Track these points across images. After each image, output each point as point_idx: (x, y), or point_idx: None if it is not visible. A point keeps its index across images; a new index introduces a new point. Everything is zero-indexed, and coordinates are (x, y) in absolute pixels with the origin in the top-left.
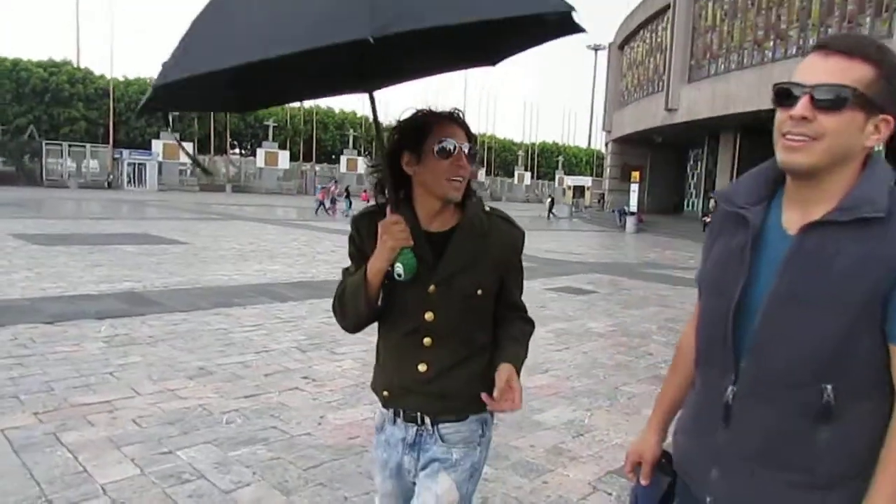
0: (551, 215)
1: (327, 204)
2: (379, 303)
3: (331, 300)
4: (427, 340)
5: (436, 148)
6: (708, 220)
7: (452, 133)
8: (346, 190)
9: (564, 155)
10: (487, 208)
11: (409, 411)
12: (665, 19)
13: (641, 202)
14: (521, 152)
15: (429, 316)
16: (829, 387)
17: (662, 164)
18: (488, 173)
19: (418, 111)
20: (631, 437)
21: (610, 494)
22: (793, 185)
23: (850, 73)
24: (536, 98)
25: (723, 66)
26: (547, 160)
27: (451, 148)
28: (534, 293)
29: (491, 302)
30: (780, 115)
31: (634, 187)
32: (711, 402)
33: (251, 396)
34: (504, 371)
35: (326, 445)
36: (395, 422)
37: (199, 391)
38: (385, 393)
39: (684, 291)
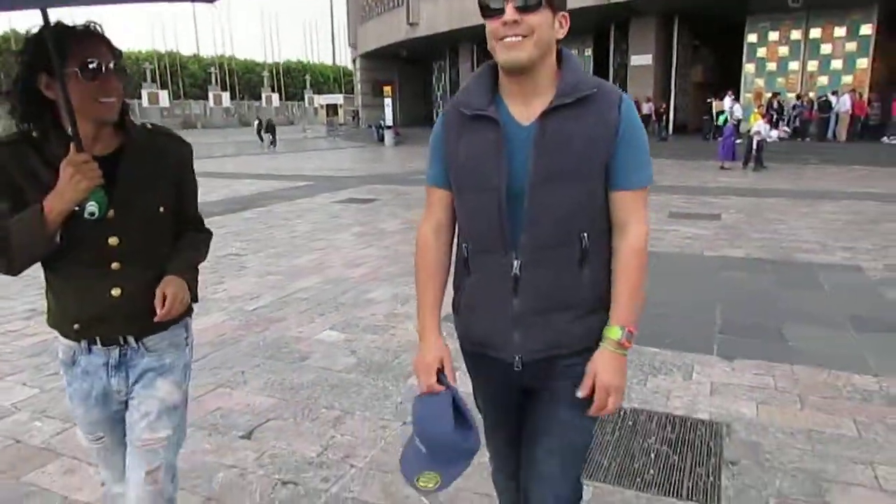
0: (266, 141)
1: None
2: (58, 240)
3: None
4: (115, 265)
5: (79, 69)
6: None
7: (95, 51)
8: None
9: (311, 73)
10: (149, 125)
11: (107, 336)
12: None
13: (395, 116)
14: (265, 73)
15: (113, 241)
16: (585, 235)
17: (411, 78)
18: (233, 97)
19: (44, 27)
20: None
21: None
22: (510, 84)
23: None
24: (274, 9)
25: None
26: (294, 80)
27: (97, 67)
28: (323, 207)
29: (172, 218)
30: (491, 25)
31: (388, 102)
32: (498, 278)
33: None
34: (161, 285)
35: (199, 343)
36: (90, 350)
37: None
38: (76, 326)
39: None
